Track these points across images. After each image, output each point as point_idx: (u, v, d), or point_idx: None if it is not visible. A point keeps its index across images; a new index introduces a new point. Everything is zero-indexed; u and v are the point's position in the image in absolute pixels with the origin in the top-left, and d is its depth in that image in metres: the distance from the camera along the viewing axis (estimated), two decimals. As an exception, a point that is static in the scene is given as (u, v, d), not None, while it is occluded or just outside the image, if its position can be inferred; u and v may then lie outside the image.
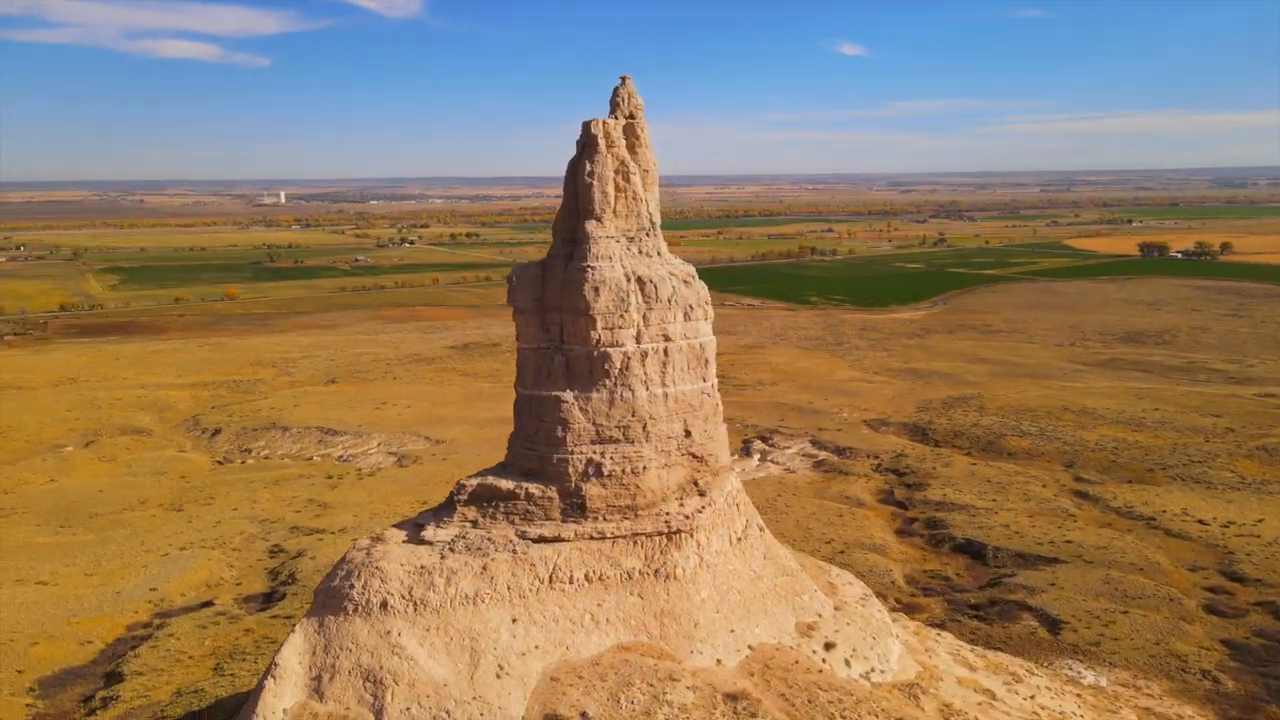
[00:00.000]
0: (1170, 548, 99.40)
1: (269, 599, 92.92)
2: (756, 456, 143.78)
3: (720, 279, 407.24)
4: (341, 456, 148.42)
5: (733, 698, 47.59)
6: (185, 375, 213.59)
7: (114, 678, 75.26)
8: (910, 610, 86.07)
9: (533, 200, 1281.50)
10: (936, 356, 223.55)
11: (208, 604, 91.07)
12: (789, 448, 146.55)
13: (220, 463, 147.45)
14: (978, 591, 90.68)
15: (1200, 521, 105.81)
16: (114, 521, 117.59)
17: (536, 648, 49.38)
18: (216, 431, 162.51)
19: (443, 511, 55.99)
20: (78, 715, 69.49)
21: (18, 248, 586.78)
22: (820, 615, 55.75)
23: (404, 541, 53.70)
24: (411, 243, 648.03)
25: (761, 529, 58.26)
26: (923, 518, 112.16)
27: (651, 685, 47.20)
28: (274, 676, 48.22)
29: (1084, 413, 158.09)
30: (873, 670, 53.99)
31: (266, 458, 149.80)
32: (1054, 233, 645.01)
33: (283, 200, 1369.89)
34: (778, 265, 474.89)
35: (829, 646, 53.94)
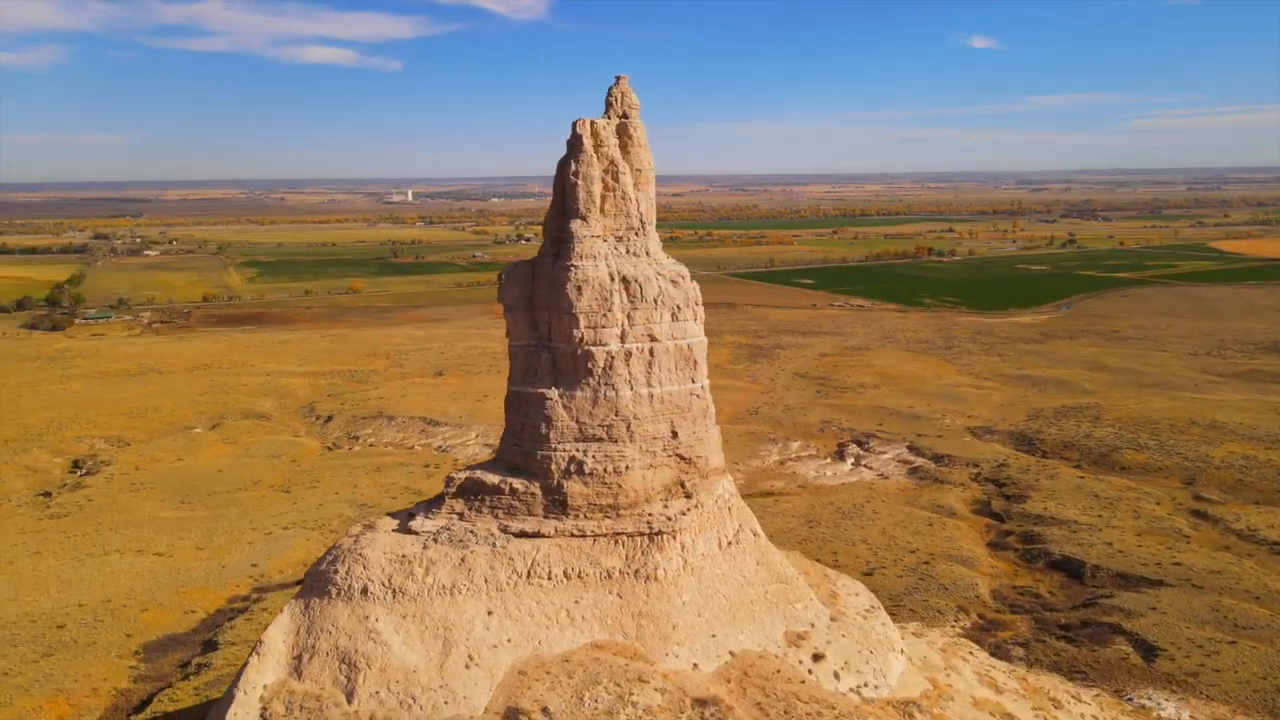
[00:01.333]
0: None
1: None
2: (850, 461, 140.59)
3: (830, 279, 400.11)
4: (440, 447, 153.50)
5: (702, 703, 46.52)
6: (307, 364, 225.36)
7: (210, 646, 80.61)
8: (993, 627, 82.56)
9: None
10: (1054, 363, 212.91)
11: (301, 582, 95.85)
12: (884, 453, 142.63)
13: (329, 448, 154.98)
14: (1069, 611, 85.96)
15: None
16: (228, 500, 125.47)
17: (509, 641, 49.52)
18: (329, 418, 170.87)
19: (434, 503, 57.31)
20: (174, 679, 74.64)
21: (170, 242, 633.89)
22: (813, 625, 53.90)
23: (393, 531, 55.12)
24: (527, 239, 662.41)
25: (756, 534, 56.76)
26: (1019, 531, 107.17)
27: (619, 685, 46.69)
28: (258, 654, 50.05)
29: (1212, 427, 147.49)
30: (865, 685, 51.97)
31: (372, 445, 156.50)
32: (1198, 234, 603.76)
33: (410, 198, 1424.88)
34: (892, 266, 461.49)
35: (817, 658, 52.13)
